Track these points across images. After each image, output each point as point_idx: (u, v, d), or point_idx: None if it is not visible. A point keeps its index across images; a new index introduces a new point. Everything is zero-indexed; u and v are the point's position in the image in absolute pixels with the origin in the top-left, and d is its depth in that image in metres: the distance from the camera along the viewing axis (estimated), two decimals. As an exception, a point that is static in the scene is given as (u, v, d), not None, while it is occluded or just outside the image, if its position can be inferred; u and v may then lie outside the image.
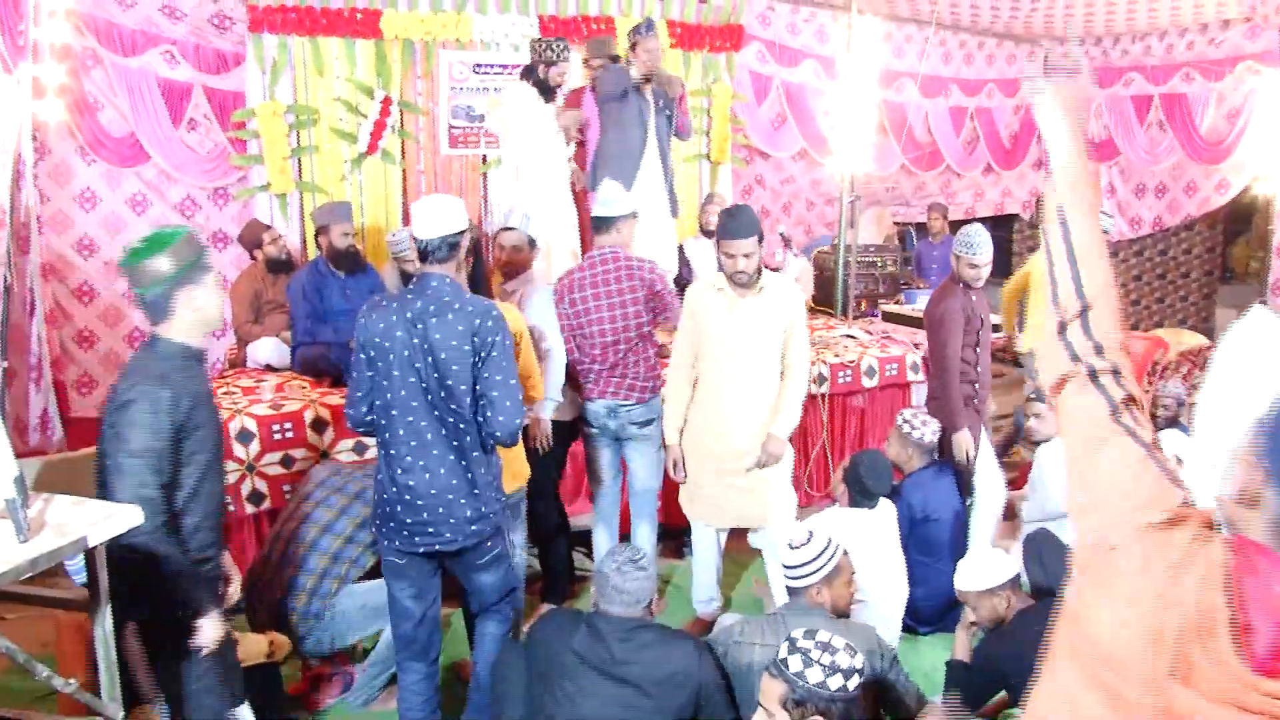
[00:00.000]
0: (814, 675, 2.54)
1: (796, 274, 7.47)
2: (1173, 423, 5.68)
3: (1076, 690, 1.40)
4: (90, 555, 2.54)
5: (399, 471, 3.42)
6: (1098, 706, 1.36)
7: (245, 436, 4.89)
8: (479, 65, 7.23)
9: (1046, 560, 3.93)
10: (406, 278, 6.27)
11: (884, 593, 4.27)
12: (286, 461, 4.97)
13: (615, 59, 6.44)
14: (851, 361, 6.44)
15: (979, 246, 5.13)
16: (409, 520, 3.43)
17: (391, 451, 3.44)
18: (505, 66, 7.19)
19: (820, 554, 3.39)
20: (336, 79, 6.82)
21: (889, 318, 7.65)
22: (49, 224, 6.52)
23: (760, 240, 4.34)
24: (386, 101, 6.92)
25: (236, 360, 6.19)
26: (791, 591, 3.44)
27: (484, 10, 7.14)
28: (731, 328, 4.38)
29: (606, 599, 3.20)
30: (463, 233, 3.53)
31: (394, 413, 3.39)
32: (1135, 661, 1.30)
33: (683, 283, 7.02)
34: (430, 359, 3.32)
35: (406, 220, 7.11)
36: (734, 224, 4.30)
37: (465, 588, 3.81)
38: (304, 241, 6.76)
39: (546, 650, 3.21)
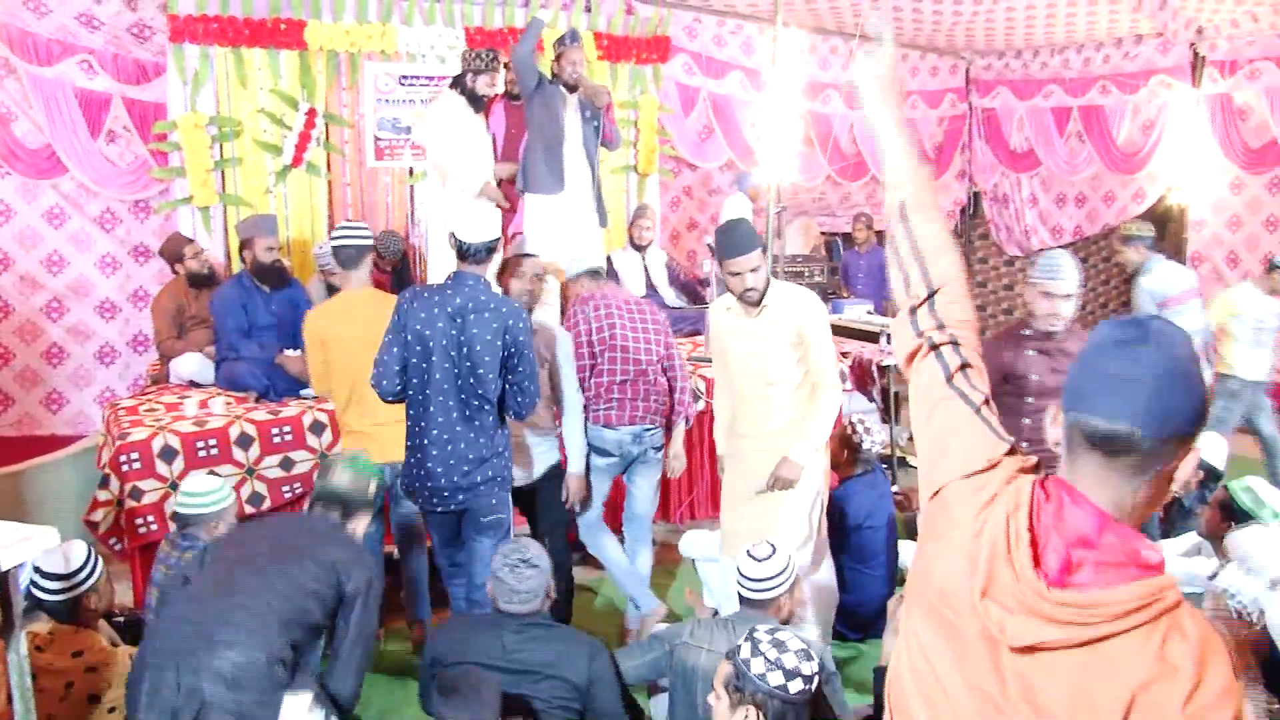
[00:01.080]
0: (757, 666, 2.56)
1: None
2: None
3: (924, 634, 1.52)
4: (3, 579, 2.47)
5: (425, 441, 3.94)
6: (940, 642, 1.48)
7: (168, 454, 4.80)
8: (405, 77, 7.18)
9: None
10: (332, 290, 6.22)
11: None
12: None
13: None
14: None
15: (1059, 270, 4.20)
16: (429, 484, 3.97)
17: (422, 424, 3.94)
18: (431, 78, 7.15)
19: (785, 568, 3.38)
20: (260, 90, 6.73)
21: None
22: (-39, 239, 6.37)
23: (764, 252, 4.13)
24: (311, 113, 6.84)
25: (159, 376, 6.06)
26: (750, 603, 3.37)
27: (410, 22, 7.10)
28: (742, 348, 4.18)
29: (505, 599, 3.25)
30: (498, 240, 4.08)
31: (428, 392, 3.90)
32: (960, 590, 1.42)
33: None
34: (465, 350, 3.85)
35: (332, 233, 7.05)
36: (732, 240, 3.99)
37: (466, 557, 4.16)
38: (228, 255, 6.66)
39: (449, 658, 3.24)
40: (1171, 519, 4.96)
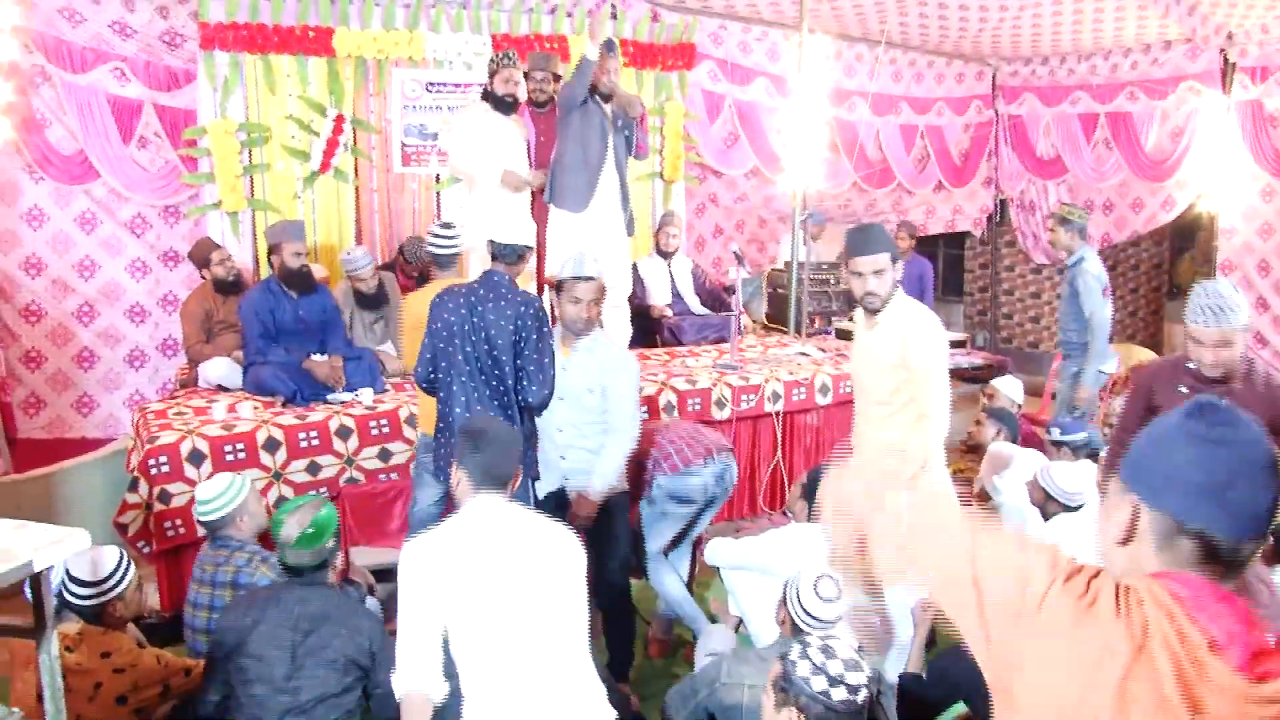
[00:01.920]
0: (803, 669, 2.53)
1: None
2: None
3: None
4: (36, 580, 2.51)
5: (449, 421, 4.18)
6: None
7: (196, 457, 4.84)
8: (432, 84, 7.23)
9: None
10: (360, 296, 6.27)
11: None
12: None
13: (558, 77, 6.49)
14: (805, 379, 6.49)
15: (1215, 310, 3.44)
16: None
17: (448, 405, 4.20)
18: (458, 85, 7.21)
19: (842, 614, 3.30)
20: (289, 96, 6.80)
21: (842, 335, 7.71)
22: (-6, 243, 6.45)
23: (894, 259, 3.84)
24: (339, 119, 6.91)
25: (188, 380, 6.12)
26: (801, 635, 3.17)
27: (437, 29, 7.14)
28: (855, 359, 4.13)
29: None
30: (530, 248, 4.36)
31: (452, 373, 4.16)
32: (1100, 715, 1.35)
33: (636, 302, 7.07)
34: (483, 334, 4.10)
35: (359, 238, 7.10)
36: (862, 239, 3.85)
37: None
38: (256, 260, 6.71)
39: None
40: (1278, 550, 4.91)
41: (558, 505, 4.18)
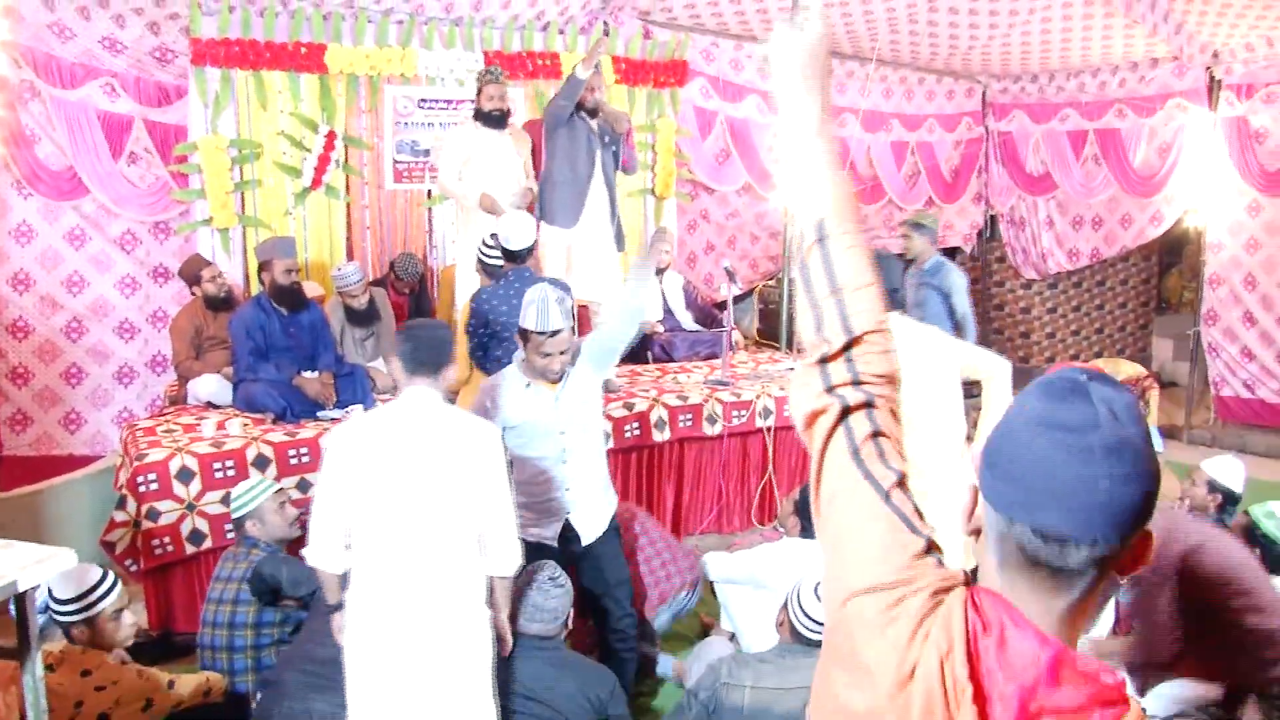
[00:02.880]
0: None
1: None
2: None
3: None
4: (21, 600, 2.49)
5: None
6: None
7: (185, 475, 4.83)
8: (424, 100, 7.23)
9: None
10: (351, 313, 6.26)
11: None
12: (228, 500, 4.88)
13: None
14: (796, 394, 6.48)
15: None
16: None
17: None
18: (450, 101, 7.21)
19: None
20: (280, 113, 6.78)
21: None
22: (-17, 259, 6.42)
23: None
24: (331, 136, 6.90)
25: (177, 397, 6.10)
26: (803, 640, 3.29)
27: (429, 46, 7.15)
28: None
29: (527, 616, 3.30)
30: (536, 241, 4.93)
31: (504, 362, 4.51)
32: None
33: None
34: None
35: (350, 255, 7.09)
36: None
37: None
38: (247, 277, 6.69)
39: None
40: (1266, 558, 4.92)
41: (564, 549, 3.98)
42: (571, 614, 3.42)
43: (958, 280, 6.10)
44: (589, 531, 4.01)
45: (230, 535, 4.89)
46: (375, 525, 3.01)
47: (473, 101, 6.50)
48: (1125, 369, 9.21)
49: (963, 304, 6.06)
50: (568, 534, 3.99)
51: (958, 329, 5.93)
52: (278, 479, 4.97)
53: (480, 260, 5.21)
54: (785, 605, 3.36)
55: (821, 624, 3.20)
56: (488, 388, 3.96)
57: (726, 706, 3.16)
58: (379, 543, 3.01)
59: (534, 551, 3.71)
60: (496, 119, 6.29)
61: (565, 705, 3.20)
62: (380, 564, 3.00)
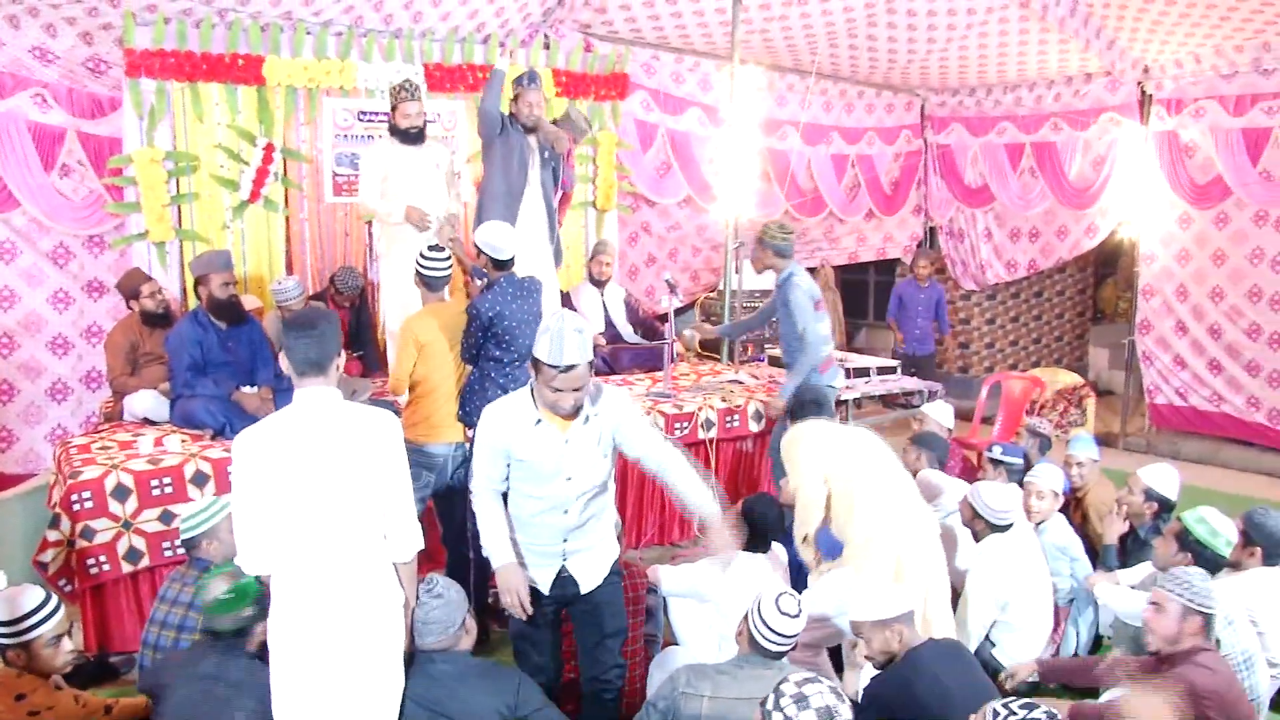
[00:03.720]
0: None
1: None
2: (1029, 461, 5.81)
3: None
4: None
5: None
6: None
7: (121, 493, 4.74)
8: (364, 113, 7.18)
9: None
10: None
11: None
12: (165, 517, 4.83)
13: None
14: (739, 406, 6.52)
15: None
16: None
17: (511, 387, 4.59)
18: (389, 114, 7.16)
19: (800, 631, 3.36)
20: (217, 125, 6.70)
21: (775, 362, 7.77)
22: (-90, 274, 6.27)
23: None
24: (269, 149, 6.82)
25: (112, 414, 5.99)
26: (762, 651, 3.32)
27: (369, 58, 7.10)
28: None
29: (418, 632, 3.29)
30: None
31: (515, 356, 4.81)
32: None
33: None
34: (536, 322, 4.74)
35: (290, 268, 7.01)
36: None
37: None
38: (184, 291, 6.59)
39: None
40: (1127, 549, 5.03)
41: (557, 603, 3.69)
42: (468, 619, 3.39)
43: (797, 296, 5.72)
44: (588, 580, 3.66)
45: (168, 554, 4.83)
46: (287, 525, 3.01)
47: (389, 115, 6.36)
48: (1063, 378, 9.40)
49: (803, 319, 5.70)
50: (564, 579, 3.63)
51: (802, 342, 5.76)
52: (217, 495, 4.90)
53: (420, 273, 5.05)
54: (746, 616, 3.39)
55: (780, 634, 3.26)
56: (495, 413, 3.51)
57: (685, 715, 3.18)
58: (292, 542, 3.02)
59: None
60: (414, 135, 6.21)
61: (470, 716, 3.19)
62: (296, 562, 3.03)
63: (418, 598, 3.29)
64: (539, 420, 3.42)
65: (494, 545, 3.53)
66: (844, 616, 3.97)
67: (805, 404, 4.76)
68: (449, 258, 5.06)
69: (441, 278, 5.02)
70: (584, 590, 3.64)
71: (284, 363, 3.09)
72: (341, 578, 3.03)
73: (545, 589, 3.60)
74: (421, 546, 3.24)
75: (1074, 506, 5.44)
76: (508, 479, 3.53)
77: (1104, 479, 5.59)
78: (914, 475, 5.42)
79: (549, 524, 3.54)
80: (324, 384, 3.09)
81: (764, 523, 4.43)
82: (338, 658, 3.01)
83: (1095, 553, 5.03)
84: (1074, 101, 9.30)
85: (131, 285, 6.07)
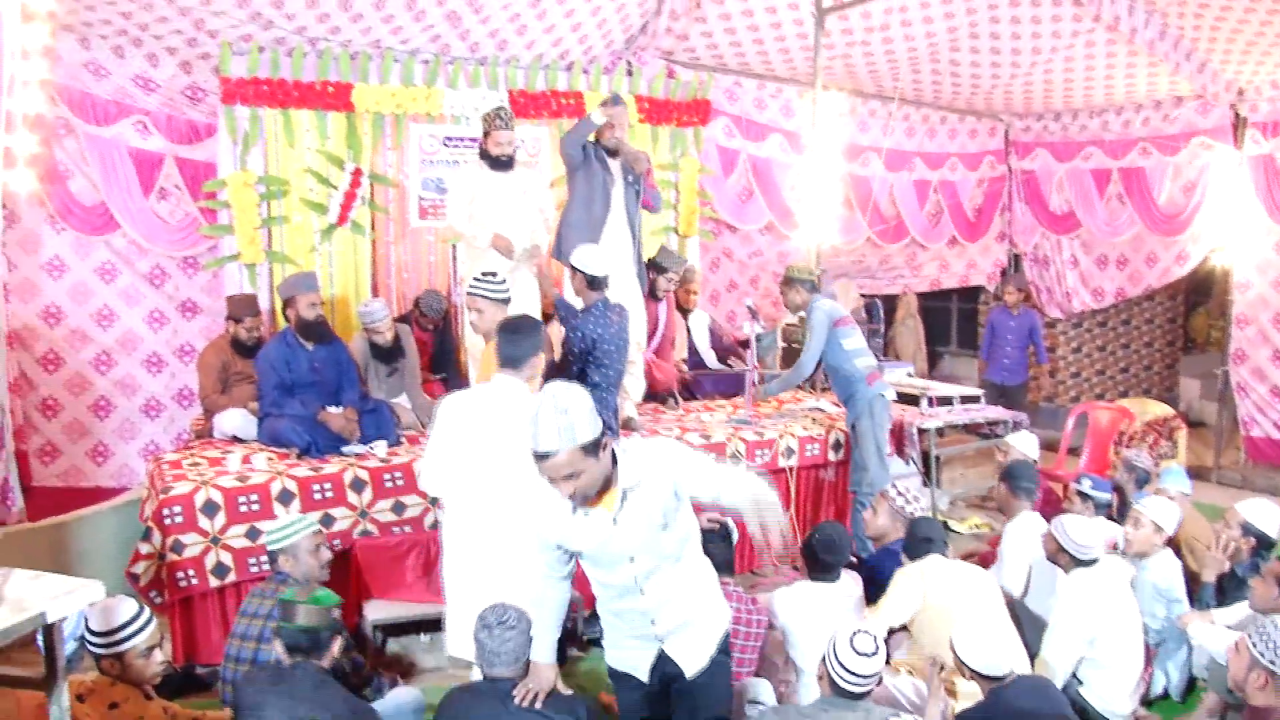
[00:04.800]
0: None
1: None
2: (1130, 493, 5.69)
3: None
4: (49, 630, 2.50)
5: (609, 420, 4.90)
6: None
7: (210, 508, 4.85)
8: (449, 138, 7.30)
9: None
10: (376, 348, 6.29)
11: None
12: (252, 534, 4.93)
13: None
14: (819, 435, 6.48)
15: None
16: None
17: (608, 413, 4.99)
18: (474, 140, 7.25)
19: (881, 669, 3.31)
20: (307, 150, 6.86)
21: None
22: (16, 292, 6.50)
23: None
24: (357, 173, 6.96)
25: (203, 431, 6.14)
26: (842, 693, 3.25)
27: (454, 84, 7.23)
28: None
29: (489, 664, 3.31)
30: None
31: (612, 380, 5.13)
32: None
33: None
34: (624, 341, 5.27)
35: (375, 291, 7.12)
36: None
37: None
38: (273, 312, 6.74)
39: None
40: (1224, 588, 4.87)
41: (662, 682, 3.29)
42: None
43: (812, 320, 6.11)
44: (690, 662, 3.24)
45: (254, 569, 4.93)
46: (462, 468, 3.88)
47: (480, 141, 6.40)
48: (1153, 409, 9.15)
49: (812, 341, 6.07)
50: (664, 660, 3.25)
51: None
52: (301, 513, 4.99)
53: (472, 294, 4.81)
54: (824, 659, 3.34)
55: (858, 675, 3.19)
56: (535, 507, 3.17)
57: None
58: (463, 480, 3.91)
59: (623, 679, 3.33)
60: (504, 163, 6.23)
61: None
62: (461, 493, 3.95)
63: (489, 628, 3.33)
64: (575, 508, 2.99)
65: (536, 636, 3.34)
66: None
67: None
68: (503, 281, 4.81)
69: (503, 299, 4.76)
70: (688, 674, 3.23)
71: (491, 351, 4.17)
72: (493, 525, 3.86)
73: (644, 676, 3.26)
74: None
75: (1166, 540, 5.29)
76: (569, 566, 3.25)
77: (1196, 514, 5.43)
78: (1005, 509, 5.30)
79: (630, 609, 3.17)
80: (514, 375, 3.93)
81: (826, 553, 4.37)
82: (489, 560, 3.86)
83: (1188, 589, 4.88)
84: (1163, 126, 9.11)
85: (238, 310, 6.22)
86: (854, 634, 3.27)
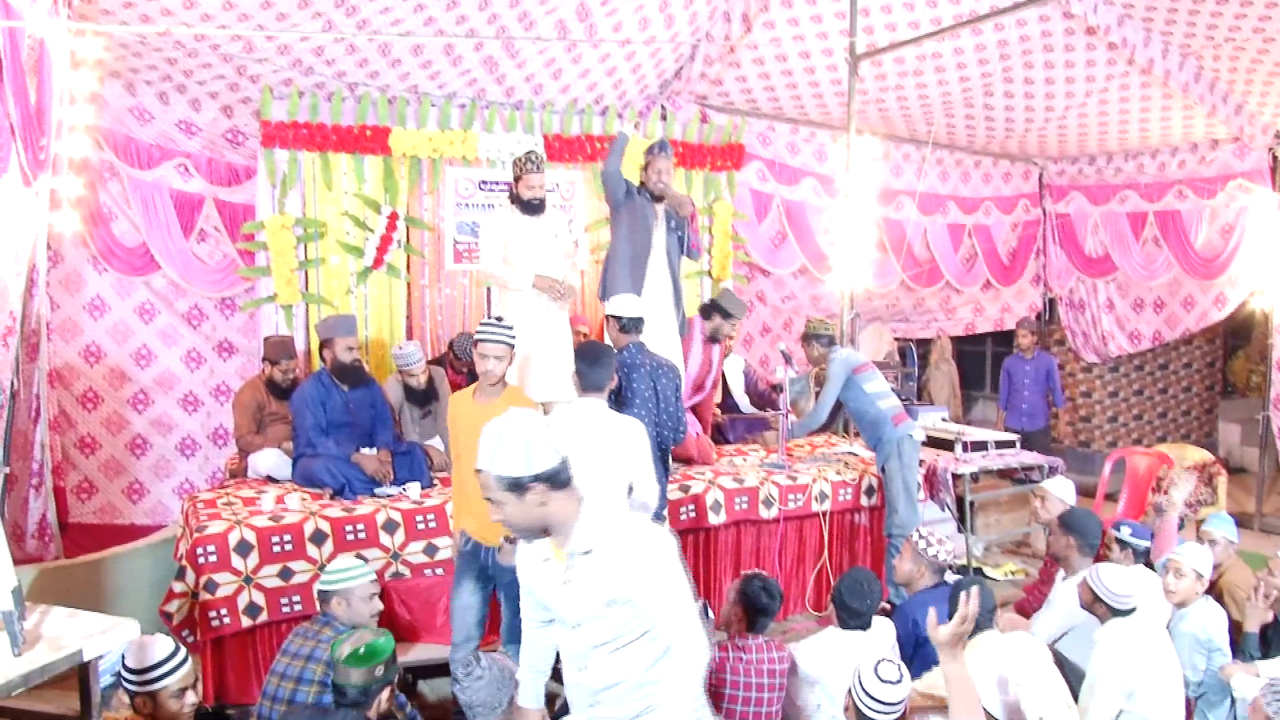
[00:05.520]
0: None
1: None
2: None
3: None
4: (84, 668, 2.52)
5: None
6: None
7: (244, 548, 4.87)
8: (484, 182, 7.38)
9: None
10: (410, 391, 6.32)
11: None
12: (285, 574, 4.95)
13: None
14: (853, 480, 6.44)
15: None
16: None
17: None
18: (509, 183, 7.33)
19: (906, 697, 3.30)
20: (345, 193, 6.95)
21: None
22: (58, 331, 6.61)
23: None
24: (393, 216, 7.04)
25: (237, 470, 6.19)
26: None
27: (490, 129, 7.31)
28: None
29: (473, 715, 3.36)
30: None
31: (641, 414, 4.94)
32: None
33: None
34: (656, 381, 5.06)
35: (410, 333, 7.17)
36: None
37: None
38: (309, 352, 6.80)
39: None
40: (1268, 639, 4.76)
41: None
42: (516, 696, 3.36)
43: (832, 368, 6.21)
44: None
45: (286, 609, 4.94)
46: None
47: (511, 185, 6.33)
48: (1191, 454, 9.03)
49: (828, 388, 6.18)
50: None
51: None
52: (332, 556, 5.00)
53: (487, 340, 4.83)
54: (849, 690, 3.31)
55: (884, 703, 3.17)
56: (521, 547, 2.92)
57: None
58: None
59: None
60: (535, 207, 6.14)
61: None
62: None
63: (458, 680, 3.42)
64: (547, 558, 2.77)
65: (521, 681, 3.18)
66: None
67: (1114, 611, 4.54)
68: (511, 327, 4.67)
69: (510, 344, 4.63)
70: None
71: (575, 379, 4.41)
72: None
73: None
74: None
75: (1207, 589, 5.18)
76: (549, 613, 2.96)
77: (1240, 561, 5.33)
78: (1064, 564, 5.15)
79: (574, 683, 2.83)
80: (599, 398, 4.37)
81: (855, 599, 4.30)
82: None
83: (1231, 638, 4.78)
84: (1200, 168, 9.07)
85: (275, 353, 6.26)
86: (879, 662, 3.28)
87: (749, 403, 7.78)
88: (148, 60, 6.25)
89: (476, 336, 4.59)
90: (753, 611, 4.19)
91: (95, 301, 6.76)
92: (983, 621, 4.27)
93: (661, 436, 5.04)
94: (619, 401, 4.96)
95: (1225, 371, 11.95)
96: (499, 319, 4.70)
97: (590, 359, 4.42)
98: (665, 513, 5.20)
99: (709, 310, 6.74)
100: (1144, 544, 5.16)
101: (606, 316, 5.14)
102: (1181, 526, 5.80)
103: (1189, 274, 9.37)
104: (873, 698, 3.20)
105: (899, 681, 3.22)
